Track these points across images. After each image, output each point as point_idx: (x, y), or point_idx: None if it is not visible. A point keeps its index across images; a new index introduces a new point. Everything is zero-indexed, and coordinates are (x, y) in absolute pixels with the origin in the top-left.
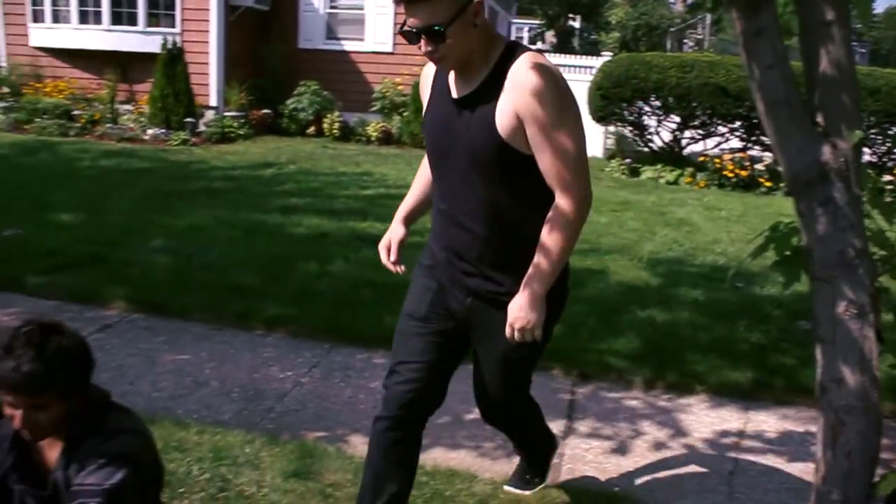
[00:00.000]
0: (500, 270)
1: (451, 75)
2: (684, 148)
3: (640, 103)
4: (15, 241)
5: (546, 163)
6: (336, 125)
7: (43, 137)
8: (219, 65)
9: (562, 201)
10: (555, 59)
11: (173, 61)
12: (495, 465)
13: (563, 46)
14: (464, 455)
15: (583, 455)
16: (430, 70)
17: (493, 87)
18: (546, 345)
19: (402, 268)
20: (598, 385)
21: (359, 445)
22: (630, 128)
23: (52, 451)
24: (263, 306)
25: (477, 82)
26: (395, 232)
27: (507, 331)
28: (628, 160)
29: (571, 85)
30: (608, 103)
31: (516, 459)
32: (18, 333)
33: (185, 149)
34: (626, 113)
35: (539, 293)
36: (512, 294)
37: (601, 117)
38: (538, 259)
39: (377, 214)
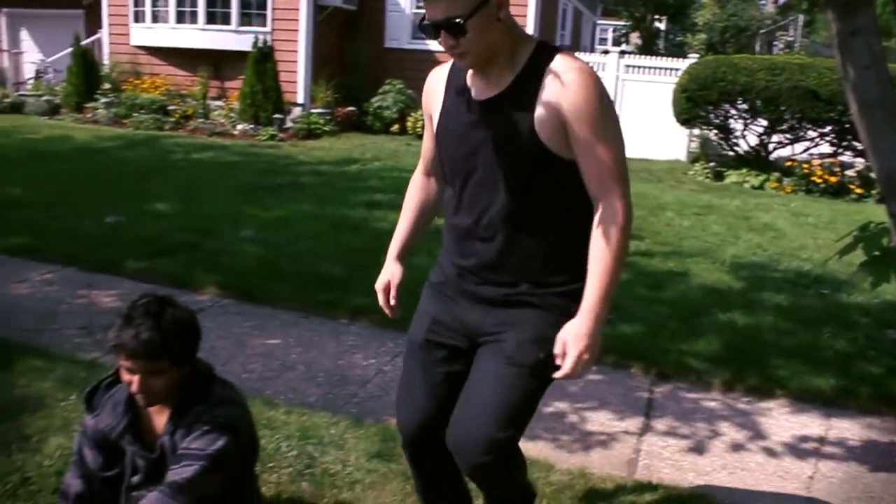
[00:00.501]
0: (519, 277)
1: (469, 78)
2: (771, 152)
3: (727, 106)
4: (117, 228)
5: (592, 166)
6: (420, 124)
7: (140, 131)
8: (307, 63)
9: (611, 207)
10: (639, 61)
11: (263, 59)
12: (572, 457)
13: (648, 48)
14: (541, 446)
15: (659, 452)
16: (439, 74)
17: (527, 88)
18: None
19: (399, 313)
20: (677, 385)
21: None
22: (715, 131)
23: (161, 418)
24: (348, 296)
25: (505, 83)
26: (392, 273)
27: (566, 363)
28: (712, 164)
29: (656, 87)
30: (693, 106)
31: (594, 453)
32: (137, 305)
33: (272, 144)
34: (711, 116)
35: (603, 317)
36: (529, 296)
37: (686, 120)
38: (598, 278)
39: None
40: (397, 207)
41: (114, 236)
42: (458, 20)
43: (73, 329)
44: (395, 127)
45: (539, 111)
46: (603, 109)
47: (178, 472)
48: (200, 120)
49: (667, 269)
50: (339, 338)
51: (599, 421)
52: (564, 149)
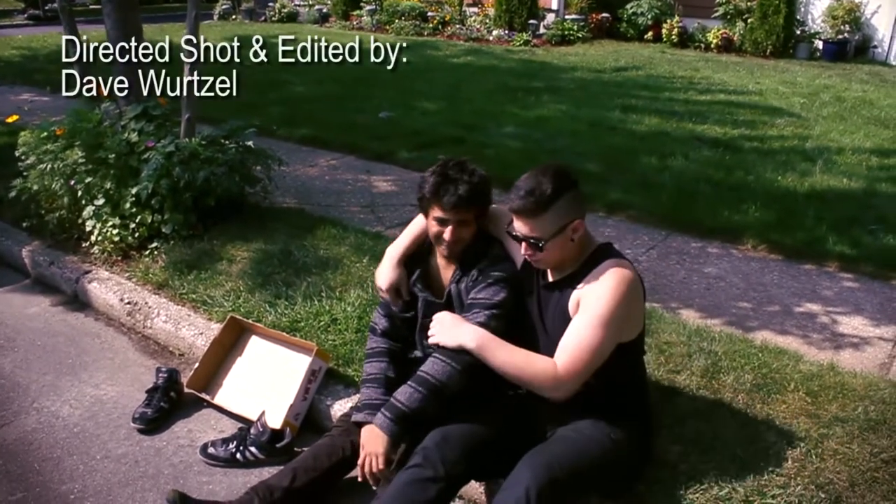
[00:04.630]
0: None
1: None
2: None
3: None
4: (389, 122)
5: (568, 337)
6: (675, 31)
7: (401, 36)
8: None
9: (556, 364)
10: None
11: None
12: (821, 353)
13: None
14: (790, 340)
15: None
16: None
17: (576, 280)
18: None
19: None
20: None
21: (690, 317)
22: None
23: (447, 271)
24: (606, 190)
25: (566, 273)
26: (399, 276)
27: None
28: None
29: None
30: None
31: (844, 353)
32: (449, 164)
33: (526, 49)
34: None
35: (472, 347)
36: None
37: None
38: (508, 347)
39: (716, 118)
40: (654, 112)
41: (387, 129)
42: (538, 241)
43: (358, 207)
44: (650, 34)
45: (573, 297)
46: (613, 306)
47: (473, 318)
48: (457, 26)
49: None
50: (597, 229)
51: (852, 325)
52: None
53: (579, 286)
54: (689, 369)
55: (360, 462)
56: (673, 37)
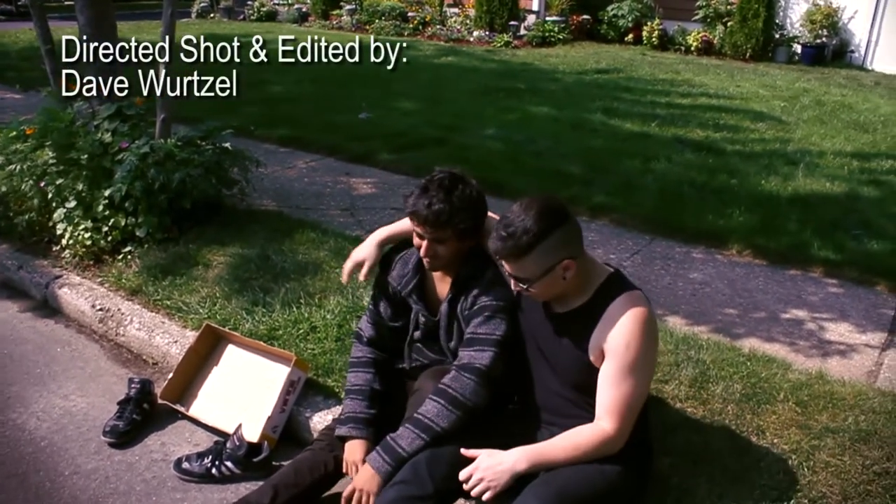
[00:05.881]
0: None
1: None
2: None
3: None
4: (369, 123)
5: (606, 394)
6: (655, 33)
7: (381, 37)
8: None
9: (605, 427)
10: None
11: None
12: (809, 361)
13: None
14: (778, 347)
15: None
16: None
17: (590, 315)
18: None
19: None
20: None
21: (677, 324)
22: None
23: (443, 286)
24: (589, 193)
25: (574, 305)
26: (370, 254)
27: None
28: None
29: None
30: None
31: (832, 360)
32: (434, 178)
33: (507, 50)
34: None
35: (525, 468)
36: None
37: None
38: (556, 444)
39: (698, 121)
40: (635, 114)
41: (367, 130)
42: (525, 281)
43: (338, 209)
44: (630, 36)
45: (594, 340)
46: (644, 351)
47: (475, 357)
48: (438, 26)
49: None
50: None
51: (838, 332)
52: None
53: (597, 330)
54: (677, 379)
55: (346, 494)
56: (653, 39)
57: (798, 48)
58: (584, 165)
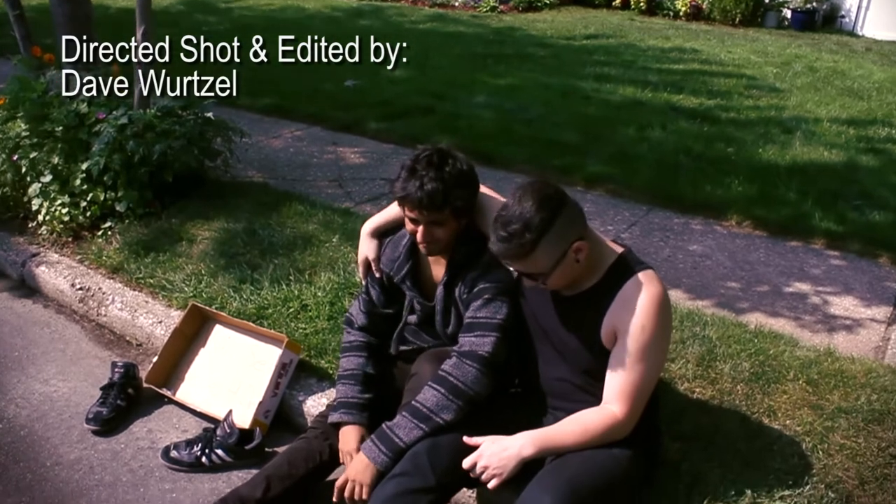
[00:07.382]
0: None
1: None
2: None
3: None
4: (355, 91)
5: (618, 377)
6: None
7: (365, 1)
8: None
9: (614, 411)
10: None
11: None
12: (815, 336)
13: None
14: (783, 323)
15: None
16: None
17: (603, 297)
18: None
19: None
20: None
21: (679, 298)
22: None
23: (438, 269)
24: (584, 163)
25: (584, 287)
26: (370, 248)
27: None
28: None
29: None
30: None
31: (838, 336)
32: (420, 157)
33: (493, 15)
34: None
35: (532, 454)
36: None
37: None
38: (563, 428)
39: (691, 88)
40: (627, 81)
41: (353, 98)
42: (538, 275)
43: (326, 181)
44: (618, 1)
45: (606, 322)
46: (659, 333)
47: (476, 343)
48: None
49: None
50: None
51: (843, 306)
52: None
53: (610, 311)
54: (683, 357)
55: (338, 484)
56: (641, 4)
57: (788, 13)
58: (577, 134)
